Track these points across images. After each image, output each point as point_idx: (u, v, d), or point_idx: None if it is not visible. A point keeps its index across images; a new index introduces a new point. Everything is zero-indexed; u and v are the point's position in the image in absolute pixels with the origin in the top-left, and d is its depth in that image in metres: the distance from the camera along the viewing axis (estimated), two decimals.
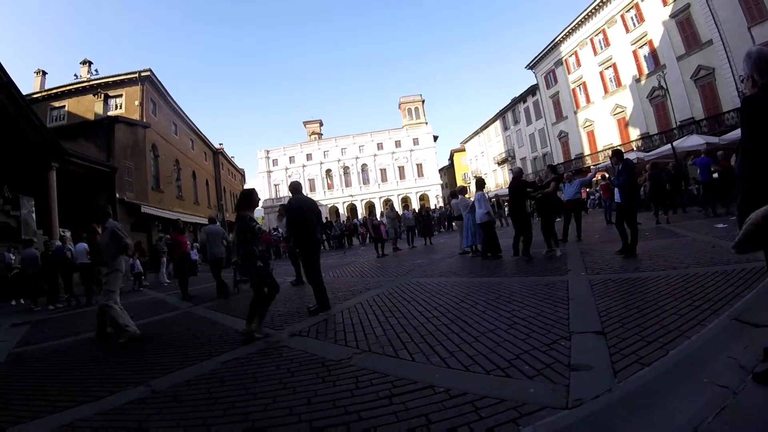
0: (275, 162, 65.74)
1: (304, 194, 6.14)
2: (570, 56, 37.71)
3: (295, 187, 6.04)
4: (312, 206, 5.97)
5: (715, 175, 12.05)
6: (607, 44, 33.05)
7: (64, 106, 26.90)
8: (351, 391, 2.72)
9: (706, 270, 4.82)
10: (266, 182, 64.80)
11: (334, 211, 60.71)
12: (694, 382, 2.24)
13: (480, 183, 9.62)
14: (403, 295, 6.00)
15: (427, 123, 68.74)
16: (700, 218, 11.58)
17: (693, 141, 18.83)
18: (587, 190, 25.83)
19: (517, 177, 8.78)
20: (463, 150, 68.44)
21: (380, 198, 62.36)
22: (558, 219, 12.51)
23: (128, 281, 14.95)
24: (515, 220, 8.62)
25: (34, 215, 14.71)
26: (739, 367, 2.30)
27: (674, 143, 19.31)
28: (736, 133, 15.25)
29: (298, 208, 5.81)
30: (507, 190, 30.65)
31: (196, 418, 2.66)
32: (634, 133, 31.32)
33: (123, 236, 5.54)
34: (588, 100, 36.30)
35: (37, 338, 6.39)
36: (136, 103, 26.72)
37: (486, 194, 9.46)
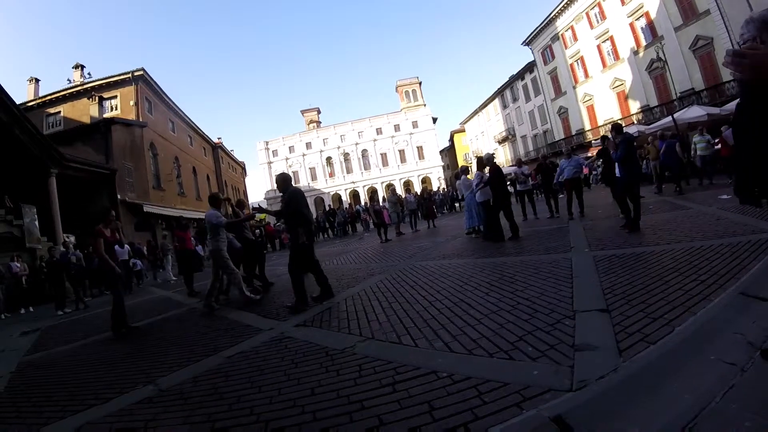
0: (275, 153, 65.50)
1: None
2: (566, 31, 37.11)
3: (284, 179, 5.90)
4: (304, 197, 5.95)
5: (717, 146, 12.25)
6: (603, 17, 32.47)
7: (59, 112, 26.92)
8: (354, 380, 2.72)
9: (711, 243, 4.76)
10: (267, 173, 64.68)
11: (337, 198, 60.79)
12: (701, 360, 2.21)
13: (480, 162, 9.53)
14: (407, 279, 5.99)
15: (425, 105, 68.19)
16: (702, 190, 11.51)
17: (694, 112, 18.58)
18: (595, 163, 25.82)
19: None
20: (463, 131, 68.00)
21: (382, 183, 62.23)
22: (561, 195, 12.50)
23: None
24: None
25: (36, 223, 14.74)
26: (747, 343, 2.26)
27: (675, 115, 19.06)
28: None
29: (299, 198, 5.75)
30: (508, 168, 30.28)
31: (202, 414, 2.67)
32: (635, 106, 30.96)
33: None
34: (586, 75, 35.84)
35: (46, 345, 6.42)
36: (131, 103, 26.66)
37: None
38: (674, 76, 24.92)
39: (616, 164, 7.23)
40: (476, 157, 10.05)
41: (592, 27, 33.90)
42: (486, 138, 59.06)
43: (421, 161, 63.32)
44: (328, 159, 64.35)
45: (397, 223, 15.78)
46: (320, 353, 3.41)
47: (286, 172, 6.32)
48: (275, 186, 6.25)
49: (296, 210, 5.64)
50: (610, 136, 7.56)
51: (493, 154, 10.17)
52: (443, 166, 64.04)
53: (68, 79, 28.25)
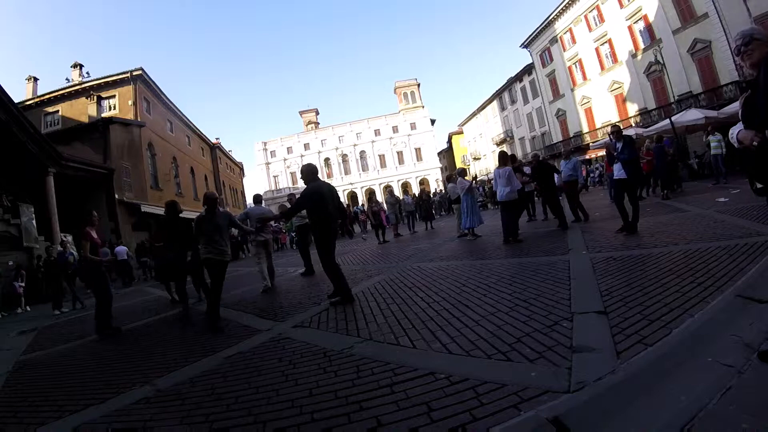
0: (273, 153, 65.52)
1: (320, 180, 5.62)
2: (565, 33, 37.22)
3: (310, 170, 5.49)
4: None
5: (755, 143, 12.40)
6: (602, 20, 32.58)
7: (57, 111, 26.85)
8: (352, 381, 2.72)
9: (708, 245, 4.77)
10: (265, 174, 64.63)
11: None
12: (698, 362, 2.22)
13: (504, 158, 8.85)
14: (405, 281, 5.98)
15: (423, 107, 68.25)
16: (699, 193, 11.54)
17: (691, 115, 18.57)
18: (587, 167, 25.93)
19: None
20: (461, 132, 68.07)
21: (380, 184, 62.19)
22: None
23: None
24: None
25: (34, 222, 14.72)
26: (744, 346, 2.27)
27: (673, 118, 19.06)
28: (735, 107, 15.15)
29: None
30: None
31: (200, 415, 2.66)
32: (633, 109, 31.06)
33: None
34: (585, 77, 35.93)
35: (43, 344, 6.38)
36: (130, 102, 26.62)
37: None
38: (672, 79, 24.99)
39: (615, 166, 7.22)
40: (502, 153, 9.93)
41: (590, 30, 34.01)
42: (484, 140, 59.14)
43: (419, 163, 63.38)
44: (326, 160, 64.33)
45: (394, 225, 15.78)
46: (318, 354, 3.40)
47: (311, 163, 5.86)
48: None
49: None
50: (610, 138, 7.59)
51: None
52: (441, 168, 64.02)
53: (67, 78, 28.20)
